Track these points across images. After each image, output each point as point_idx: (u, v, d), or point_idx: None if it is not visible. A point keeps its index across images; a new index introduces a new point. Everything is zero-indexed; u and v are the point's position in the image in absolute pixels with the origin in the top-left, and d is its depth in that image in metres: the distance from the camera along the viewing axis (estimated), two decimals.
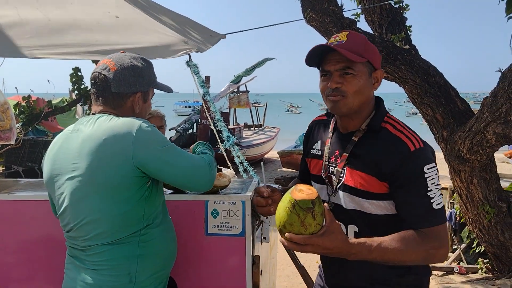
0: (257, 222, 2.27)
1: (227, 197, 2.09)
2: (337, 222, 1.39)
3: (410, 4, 4.69)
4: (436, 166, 1.52)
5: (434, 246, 1.46)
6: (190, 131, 15.16)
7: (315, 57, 1.61)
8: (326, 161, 1.69)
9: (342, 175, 1.61)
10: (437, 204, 1.49)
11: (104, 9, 3.02)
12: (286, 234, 1.34)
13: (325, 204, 1.39)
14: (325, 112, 1.87)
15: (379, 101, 1.68)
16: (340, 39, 1.57)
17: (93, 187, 1.61)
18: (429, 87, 4.00)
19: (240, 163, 3.01)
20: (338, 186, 1.62)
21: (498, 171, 4.22)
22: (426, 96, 4.03)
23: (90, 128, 1.67)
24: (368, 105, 1.64)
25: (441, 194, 1.55)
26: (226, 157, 3.04)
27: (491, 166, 4.05)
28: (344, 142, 1.64)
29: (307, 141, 1.87)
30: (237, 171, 3.15)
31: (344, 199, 1.60)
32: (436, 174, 1.51)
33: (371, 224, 1.57)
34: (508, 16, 3.14)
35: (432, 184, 1.49)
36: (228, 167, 2.83)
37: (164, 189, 2.16)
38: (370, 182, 1.54)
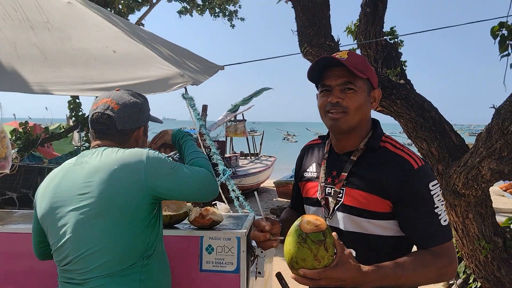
0: (252, 257, 2.26)
1: (222, 233, 2.08)
2: (348, 250, 1.37)
3: (406, 36, 4.80)
4: (438, 182, 1.54)
5: (446, 263, 1.46)
6: None
7: (316, 72, 1.62)
8: (322, 182, 1.65)
9: (340, 195, 1.58)
10: (444, 221, 1.49)
11: (102, 43, 3.06)
12: (300, 271, 1.30)
13: (334, 233, 1.37)
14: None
15: (375, 122, 1.69)
16: (341, 56, 1.58)
17: (102, 216, 1.61)
18: (424, 121, 4.04)
19: (236, 197, 2.99)
20: (336, 208, 1.59)
21: (494, 205, 4.22)
22: (421, 130, 4.06)
23: (98, 159, 1.70)
24: (366, 124, 1.64)
25: (445, 210, 1.55)
26: (221, 191, 3.01)
27: (487, 201, 4.05)
28: (342, 163, 1.62)
29: (300, 165, 1.85)
30: (230, 201, 3.12)
31: (343, 221, 1.57)
32: (440, 190, 1.52)
33: (371, 246, 1.54)
34: (501, 54, 3.22)
35: (438, 200, 1.49)
36: (223, 202, 2.82)
37: None
38: (372, 201, 1.52)
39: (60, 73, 2.64)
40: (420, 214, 1.49)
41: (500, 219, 4.56)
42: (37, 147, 10.78)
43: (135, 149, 1.74)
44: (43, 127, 11.82)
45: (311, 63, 4.39)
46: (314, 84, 1.69)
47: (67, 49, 2.82)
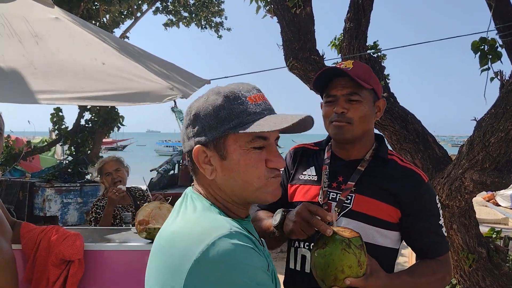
0: None
1: None
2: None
3: (393, 44, 4.90)
4: None
5: (449, 271, 1.57)
6: (172, 172, 15.01)
7: (321, 82, 1.61)
8: (325, 187, 1.62)
9: (348, 201, 1.56)
10: (445, 232, 1.60)
11: (91, 56, 3.07)
12: (346, 280, 1.21)
13: None
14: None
15: (380, 136, 1.72)
16: (346, 66, 1.58)
17: None
18: (408, 133, 4.10)
19: None
20: (342, 214, 1.57)
21: (477, 216, 4.28)
22: (405, 143, 4.12)
23: (169, 223, 1.13)
24: (370, 134, 1.65)
25: None
26: None
27: (470, 211, 4.11)
28: (348, 169, 1.61)
29: (293, 167, 1.75)
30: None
31: (348, 227, 1.58)
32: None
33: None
34: (481, 68, 3.30)
35: (441, 213, 1.60)
36: None
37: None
38: (384, 210, 1.54)
39: (50, 83, 2.61)
40: (428, 225, 1.56)
41: (483, 229, 4.63)
42: (19, 161, 10.62)
43: (201, 225, 1.03)
44: (26, 140, 11.65)
45: (297, 77, 4.44)
46: (319, 94, 1.70)
47: (56, 60, 2.81)
